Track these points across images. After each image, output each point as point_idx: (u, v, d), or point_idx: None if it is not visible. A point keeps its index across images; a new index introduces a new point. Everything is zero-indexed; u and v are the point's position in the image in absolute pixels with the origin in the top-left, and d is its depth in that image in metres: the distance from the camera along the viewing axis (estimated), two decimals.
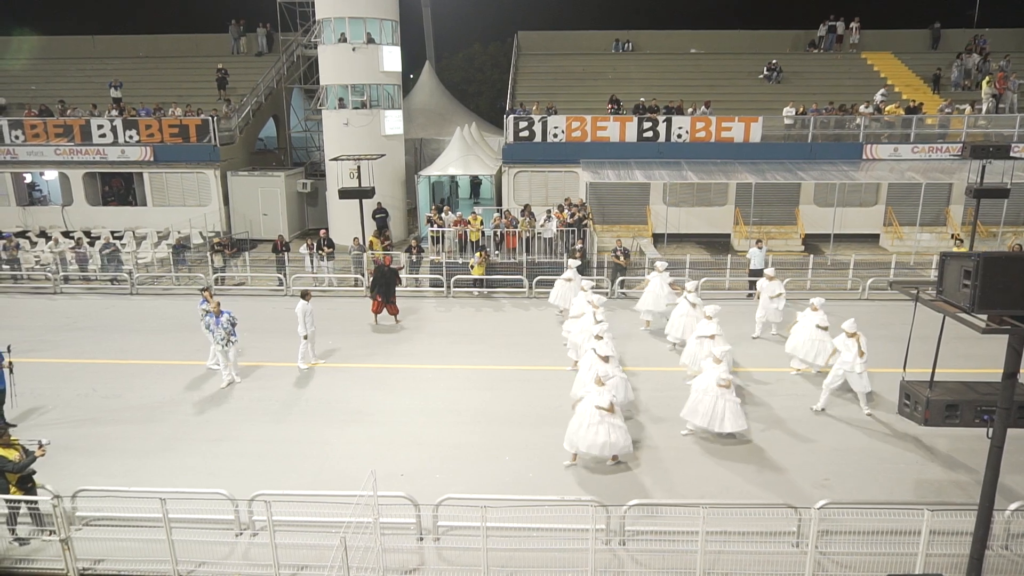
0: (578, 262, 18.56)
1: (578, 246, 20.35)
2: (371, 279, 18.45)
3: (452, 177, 28.62)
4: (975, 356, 12.11)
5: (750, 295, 20.07)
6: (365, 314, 18.45)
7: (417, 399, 13.38)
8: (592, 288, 16.26)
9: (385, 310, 17.99)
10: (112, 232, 25.03)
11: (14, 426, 11.88)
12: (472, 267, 20.37)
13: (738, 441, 11.64)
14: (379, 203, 24.58)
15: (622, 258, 20.13)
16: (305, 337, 14.79)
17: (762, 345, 16.31)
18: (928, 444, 11.43)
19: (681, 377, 13.88)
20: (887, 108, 25.81)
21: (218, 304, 13.94)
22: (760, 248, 19.94)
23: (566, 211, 21.76)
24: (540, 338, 16.71)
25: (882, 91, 26.71)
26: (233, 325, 13.84)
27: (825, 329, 13.80)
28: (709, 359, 11.65)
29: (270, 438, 11.88)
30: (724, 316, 16.80)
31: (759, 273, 19.93)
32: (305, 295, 14.88)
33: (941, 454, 11.19)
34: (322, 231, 22.69)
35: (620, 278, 20.18)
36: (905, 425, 11.23)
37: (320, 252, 21.62)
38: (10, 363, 11.91)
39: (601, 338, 12.28)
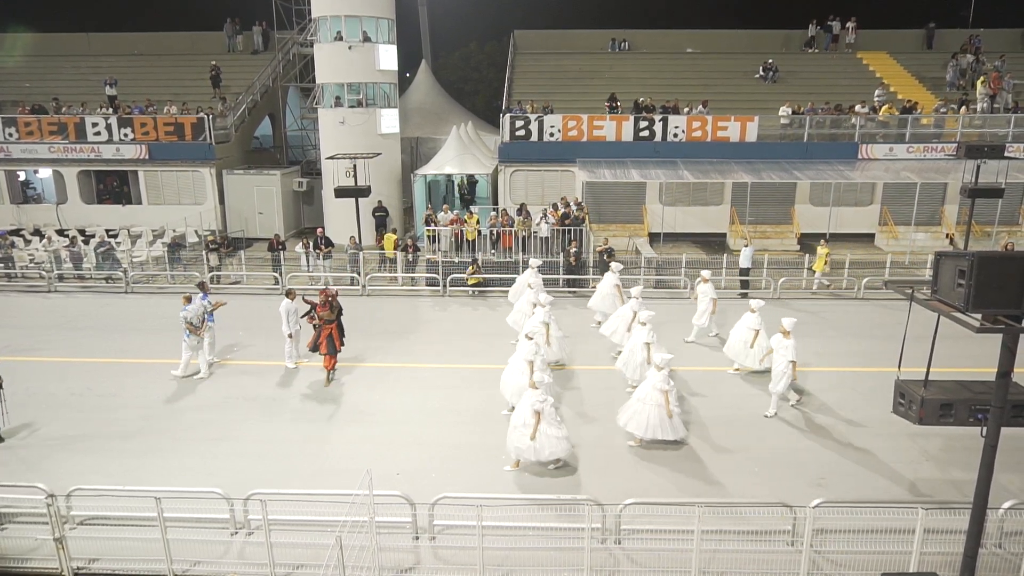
0: (539, 262, 18.37)
1: (572, 249, 20.27)
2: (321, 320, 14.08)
3: (449, 176, 28.59)
4: (969, 355, 12.16)
5: (741, 295, 20.15)
6: (361, 313, 18.40)
7: (416, 398, 13.37)
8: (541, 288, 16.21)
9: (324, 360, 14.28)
10: (107, 230, 24.95)
11: (1, 440, 11.61)
12: (467, 280, 20.37)
13: (734, 440, 11.67)
14: (380, 201, 24.55)
15: (607, 257, 20.16)
16: (290, 336, 14.78)
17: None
18: (922, 443, 11.47)
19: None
20: (882, 108, 25.89)
21: (188, 298, 14.36)
22: (747, 247, 19.99)
23: (561, 210, 21.75)
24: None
25: (878, 91, 26.79)
26: (190, 323, 14.14)
27: (756, 332, 13.86)
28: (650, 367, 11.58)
29: (269, 438, 11.86)
30: (716, 315, 16.89)
31: (747, 272, 20.05)
32: (289, 293, 14.90)
33: (935, 453, 11.24)
34: (319, 229, 22.64)
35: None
36: (900, 424, 11.25)
37: (317, 251, 21.58)
38: None
39: (531, 338, 12.22)
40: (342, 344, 14.36)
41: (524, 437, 10.30)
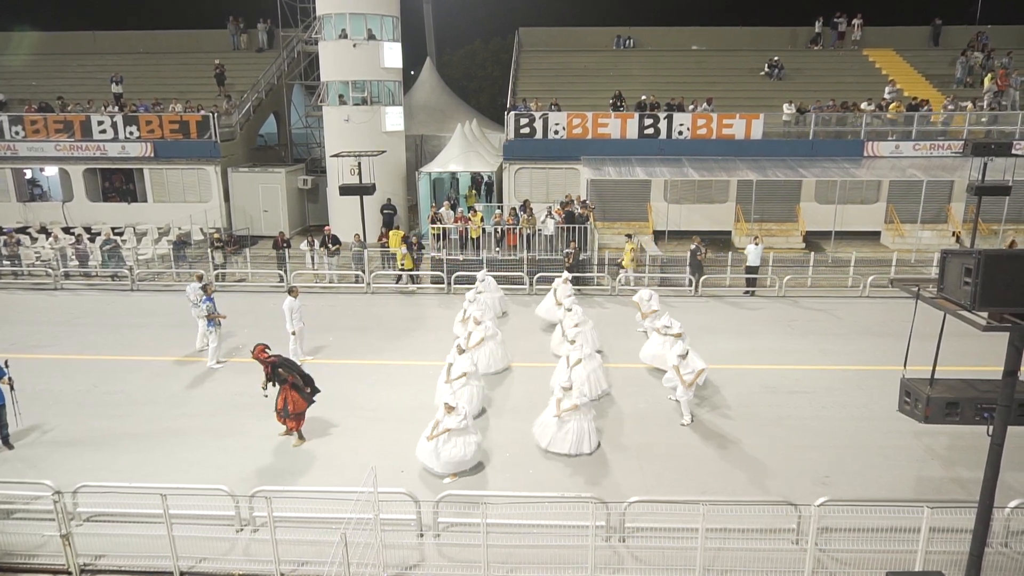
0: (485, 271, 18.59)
1: (570, 248, 20.18)
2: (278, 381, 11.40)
3: (453, 174, 28.57)
4: (975, 353, 12.14)
5: (747, 292, 20.09)
6: (366, 310, 18.36)
7: (420, 395, 13.37)
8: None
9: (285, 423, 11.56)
10: (113, 228, 25.05)
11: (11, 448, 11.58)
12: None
13: (739, 438, 11.65)
14: (388, 199, 24.51)
15: (706, 254, 20.05)
16: (293, 333, 14.83)
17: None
18: (928, 442, 11.44)
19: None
20: (891, 106, 25.77)
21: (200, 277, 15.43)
22: (756, 245, 19.93)
23: (565, 207, 21.69)
24: (541, 334, 16.71)
25: (888, 88, 26.66)
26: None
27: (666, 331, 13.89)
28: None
29: (274, 435, 11.85)
30: (722, 313, 16.90)
31: (755, 270, 19.98)
32: (292, 291, 14.97)
33: (941, 452, 11.21)
34: (327, 228, 22.64)
35: (701, 276, 19.93)
36: (905, 423, 11.22)
37: (323, 248, 21.61)
38: (9, 379, 11.47)
39: (463, 352, 12.30)
40: (307, 402, 11.51)
41: (429, 442, 10.42)
